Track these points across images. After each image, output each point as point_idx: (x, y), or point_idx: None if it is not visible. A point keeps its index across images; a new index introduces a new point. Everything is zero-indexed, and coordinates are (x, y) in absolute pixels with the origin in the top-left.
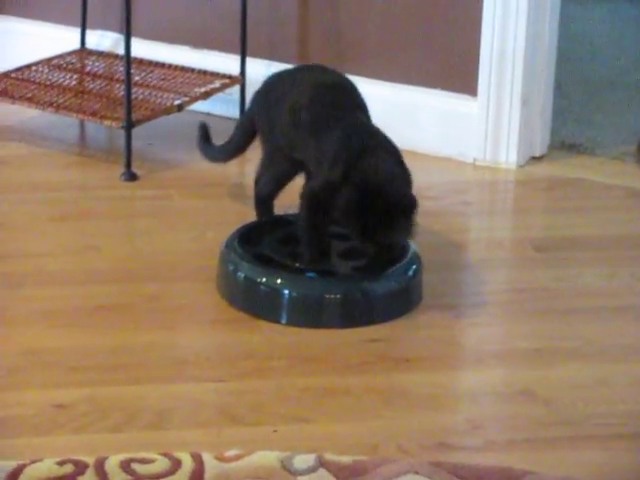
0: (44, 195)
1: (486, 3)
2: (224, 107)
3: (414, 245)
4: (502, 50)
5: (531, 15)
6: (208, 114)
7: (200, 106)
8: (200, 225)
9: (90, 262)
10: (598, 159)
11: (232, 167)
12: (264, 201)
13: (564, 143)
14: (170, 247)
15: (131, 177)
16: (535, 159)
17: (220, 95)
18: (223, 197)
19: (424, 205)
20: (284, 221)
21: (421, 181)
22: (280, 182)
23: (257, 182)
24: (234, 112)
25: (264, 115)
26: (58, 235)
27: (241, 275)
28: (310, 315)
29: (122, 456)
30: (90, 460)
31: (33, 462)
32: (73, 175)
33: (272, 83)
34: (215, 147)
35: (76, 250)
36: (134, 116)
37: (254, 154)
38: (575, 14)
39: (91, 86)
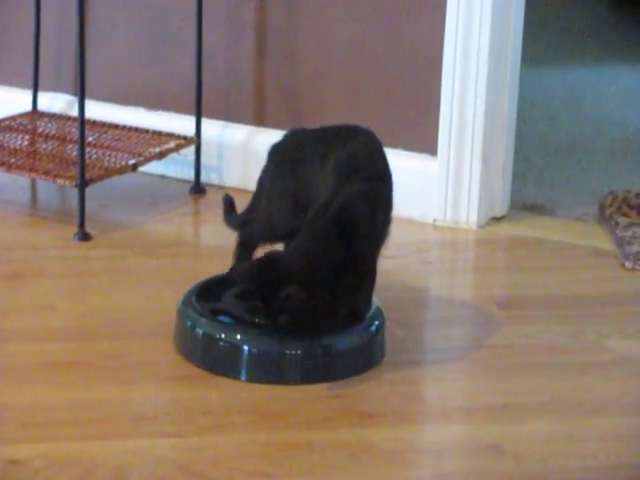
0: None
1: (445, 64)
2: (179, 169)
3: (376, 301)
4: (462, 109)
5: (491, 79)
6: (162, 176)
7: (155, 168)
8: (156, 284)
9: (45, 320)
10: (559, 220)
11: (187, 228)
12: (250, 248)
13: (525, 204)
14: (126, 305)
15: (84, 237)
16: (495, 219)
17: (175, 156)
18: (179, 257)
19: (384, 264)
20: None
21: None
22: (279, 239)
23: (245, 226)
24: (189, 174)
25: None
26: (12, 294)
27: (199, 331)
28: (270, 371)
29: None
30: None
31: None
32: (25, 235)
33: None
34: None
35: (31, 308)
36: (88, 175)
37: (209, 215)
38: (533, 81)
39: (43, 146)
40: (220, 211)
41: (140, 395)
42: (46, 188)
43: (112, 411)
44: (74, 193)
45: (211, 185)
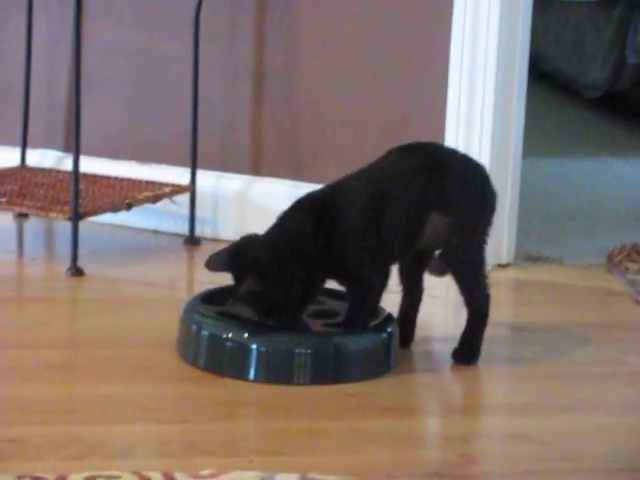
0: None
1: (449, 121)
2: (172, 222)
3: (388, 310)
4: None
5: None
6: (155, 231)
7: (147, 222)
8: (152, 309)
9: (40, 334)
10: (567, 268)
11: (181, 269)
12: None
13: (530, 256)
14: (122, 323)
15: (77, 272)
16: (501, 267)
17: (168, 210)
18: (174, 290)
19: (392, 298)
20: None
21: (391, 280)
22: None
23: None
24: (182, 227)
25: None
26: (5, 315)
27: (205, 333)
28: (279, 371)
29: (86, 473)
30: (51, 477)
31: None
32: (16, 273)
33: None
34: None
35: (26, 325)
36: (81, 210)
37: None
38: (530, 169)
39: (34, 191)
40: None
41: (143, 391)
42: (34, 234)
43: (114, 403)
44: (63, 237)
45: (205, 238)
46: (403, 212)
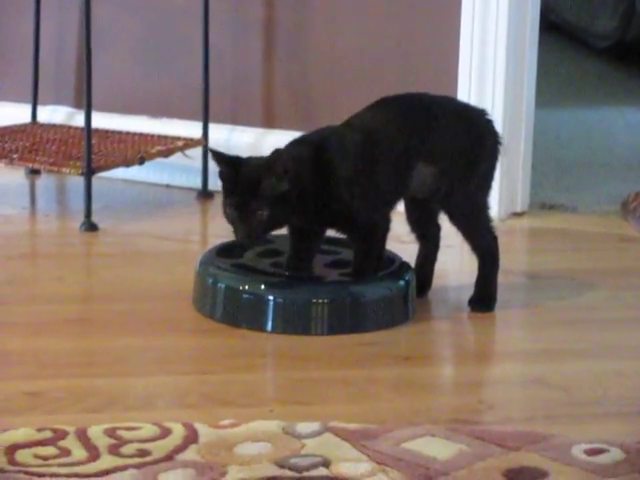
0: None
1: (461, 73)
2: (184, 177)
3: (403, 259)
4: (480, 101)
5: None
6: (168, 185)
7: (160, 176)
8: (167, 261)
9: (56, 288)
10: (582, 215)
11: (195, 223)
12: None
13: (544, 204)
14: (138, 277)
15: (91, 227)
16: (516, 215)
17: (180, 165)
18: (189, 243)
19: (408, 248)
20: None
21: (402, 229)
22: None
23: None
24: (195, 181)
25: None
26: (20, 270)
27: (222, 285)
28: (296, 321)
29: (106, 425)
30: (70, 429)
31: (5, 430)
32: (30, 229)
33: None
34: None
35: (39, 280)
36: (94, 165)
37: (219, 212)
38: (542, 117)
39: (46, 146)
40: None
41: (160, 343)
42: (47, 190)
43: (132, 355)
44: (76, 192)
45: (218, 192)
46: (391, 161)
